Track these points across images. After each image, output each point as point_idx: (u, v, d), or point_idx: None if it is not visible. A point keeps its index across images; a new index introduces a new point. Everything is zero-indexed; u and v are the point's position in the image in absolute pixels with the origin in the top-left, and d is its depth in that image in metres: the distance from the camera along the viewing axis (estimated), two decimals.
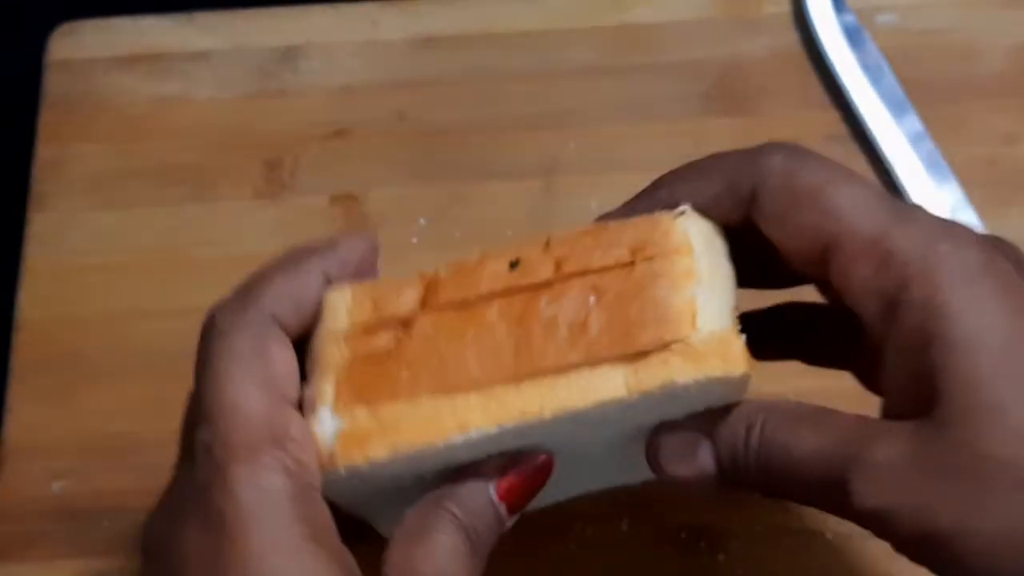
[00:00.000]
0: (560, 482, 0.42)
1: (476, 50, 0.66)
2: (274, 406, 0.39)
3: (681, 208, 0.41)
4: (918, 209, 0.40)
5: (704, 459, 0.41)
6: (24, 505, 0.57)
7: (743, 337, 0.39)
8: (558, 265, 0.40)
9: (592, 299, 0.39)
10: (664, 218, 0.41)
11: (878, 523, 0.38)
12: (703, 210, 0.41)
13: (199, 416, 0.39)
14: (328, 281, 0.41)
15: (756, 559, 0.54)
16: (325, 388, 0.40)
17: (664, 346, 0.38)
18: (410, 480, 0.41)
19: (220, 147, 0.64)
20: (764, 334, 0.40)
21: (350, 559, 0.39)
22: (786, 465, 0.39)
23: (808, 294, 0.45)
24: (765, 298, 0.46)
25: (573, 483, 0.45)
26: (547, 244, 0.41)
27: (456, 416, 0.39)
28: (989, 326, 0.37)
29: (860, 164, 0.62)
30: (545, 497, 0.42)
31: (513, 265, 0.40)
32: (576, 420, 0.39)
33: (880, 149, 0.62)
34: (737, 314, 0.40)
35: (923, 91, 0.63)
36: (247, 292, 0.40)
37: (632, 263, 0.40)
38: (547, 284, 0.40)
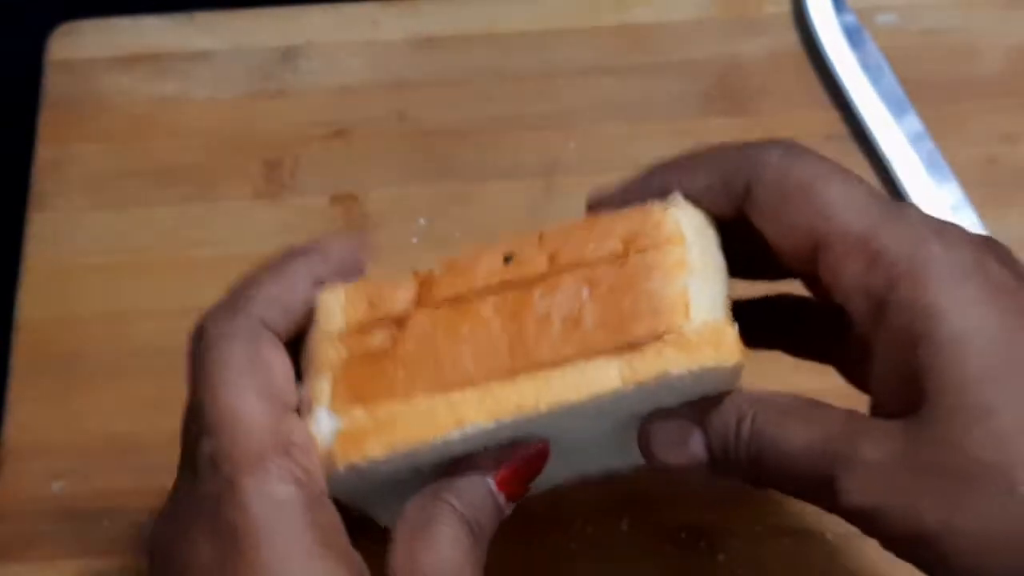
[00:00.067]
0: (555, 468, 0.42)
1: (476, 50, 0.66)
2: (275, 414, 0.39)
3: (673, 198, 0.41)
4: (910, 208, 0.40)
5: (696, 447, 0.41)
6: (24, 505, 0.57)
7: (736, 327, 0.39)
8: (552, 258, 0.40)
9: (585, 292, 0.40)
10: (656, 209, 0.41)
11: (865, 521, 0.38)
12: (695, 200, 0.42)
13: (200, 427, 0.39)
14: (318, 283, 0.42)
15: (756, 559, 0.54)
16: (321, 388, 0.40)
17: (658, 337, 0.39)
18: (408, 474, 0.41)
19: (220, 147, 0.64)
20: (750, 323, 0.40)
21: (360, 561, 0.39)
22: (776, 459, 0.40)
23: (796, 286, 0.45)
24: (753, 288, 0.46)
25: (568, 468, 0.45)
26: (540, 238, 0.41)
27: (453, 412, 0.39)
28: (977, 327, 0.37)
29: (860, 164, 0.62)
30: (540, 483, 0.42)
31: (507, 259, 0.41)
32: (572, 412, 0.39)
33: (880, 149, 0.62)
34: (729, 304, 0.41)
35: (923, 91, 0.63)
36: (235, 299, 0.41)
37: (625, 255, 0.40)
38: (541, 278, 0.40)
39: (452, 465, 0.41)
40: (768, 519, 0.54)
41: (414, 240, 0.61)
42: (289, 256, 0.42)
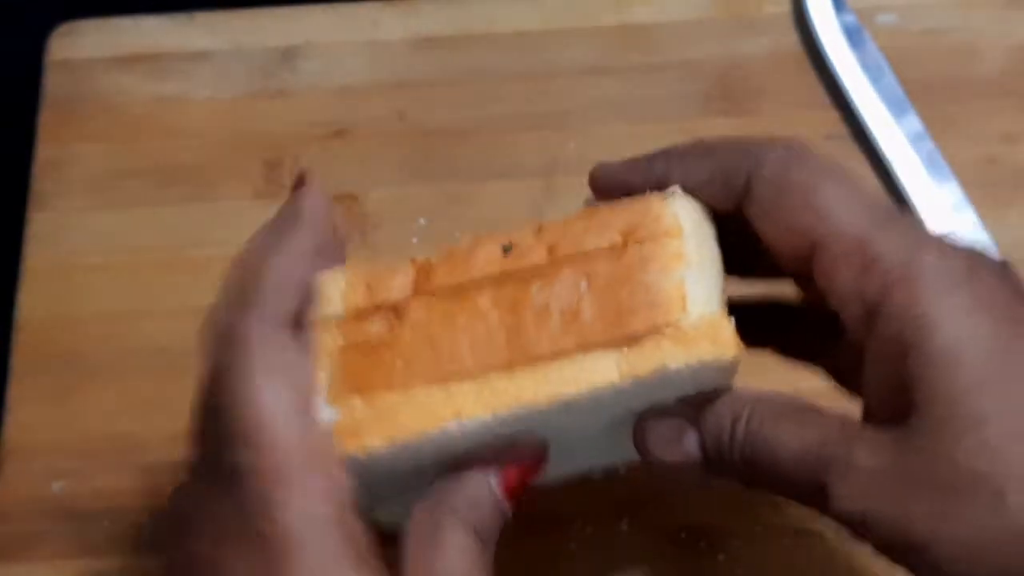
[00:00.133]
0: (553, 467, 0.43)
1: (476, 50, 0.66)
2: (304, 424, 0.39)
3: (671, 190, 0.41)
4: (906, 215, 0.41)
5: (690, 446, 0.42)
6: (24, 505, 0.57)
7: (732, 321, 0.39)
8: (550, 250, 0.40)
9: (584, 284, 0.40)
10: (655, 201, 0.41)
11: (856, 526, 0.39)
12: (694, 193, 0.42)
13: (223, 436, 0.38)
14: (314, 256, 0.41)
15: (756, 559, 0.54)
16: (319, 377, 0.40)
17: (655, 330, 0.39)
18: (408, 469, 0.41)
19: (220, 147, 0.64)
20: (743, 322, 0.40)
21: (387, 573, 0.39)
22: (769, 461, 0.40)
23: (789, 286, 0.45)
24: (747, 287, 0.46)
25: (566, 467, 0.45)
26: (539, 229, 0.41)
27: (451, 404, 0.39)
28: (968, 337, 0.37)
29: (860, 164, 0.62)
30: (539, 482, 0.42)
31: (506, 250, 0.41)
32: (569, 406, 0.39)
33: (880, 149, 0.62)
34: (725, 298, 0.41)
35: (923, 91, 0.63)
36: (246, 290, 0.40)
37: (623, 247, 0.40)
38: (539, 269, 0.40)
39: (454, 467, 0.41)
40: (768, 519, 0.54)
41: (414, 240, 0.61)
42: (283, 230, 0.41)
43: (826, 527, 0.54)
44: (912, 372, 0.37)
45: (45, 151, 0.64)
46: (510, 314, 0.40)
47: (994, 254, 0.40)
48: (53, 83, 0.66)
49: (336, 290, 0.41)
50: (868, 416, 0.40)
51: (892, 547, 0.38)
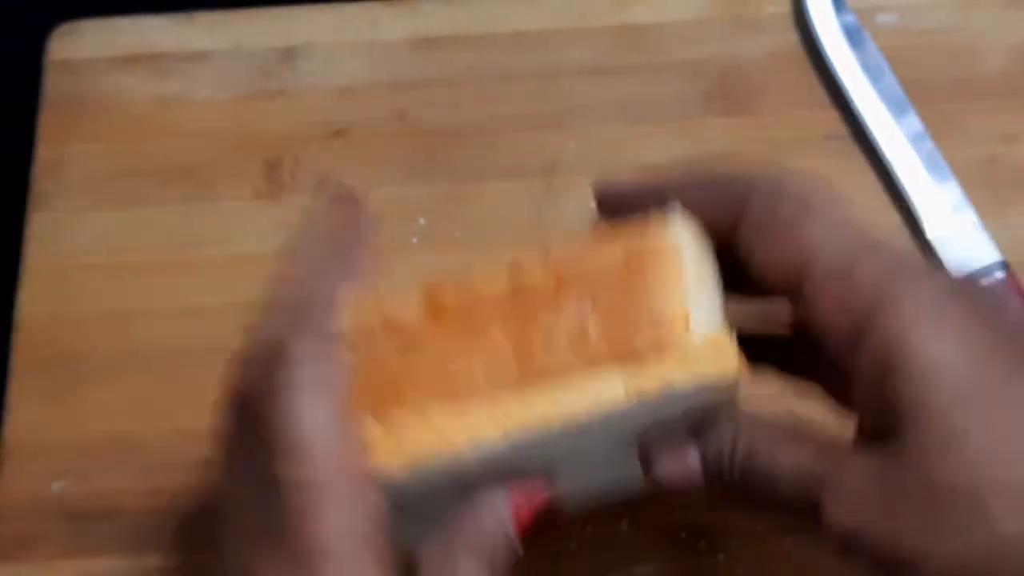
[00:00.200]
0: (564, 495, 0.44)
1: (476, 50, 0.66)
2: (348, 442, 0.39)
3: (673, 212, 0.42)
4: (889, 243, 0.42)
5: (693, 466, 0.43)
6: (24, 505, 0.57)
7: (735, 339, 0.40)
8: (556, 272, 0.41)
9: (589, 307, 0.40)
10: (656, 222, 0.42)
11: (848, 544, 0.40)
12: (693, 215, 0.42)
13: (269, 448, 0.39)
14: (344, 283, 0.42)
15: (756, 559, 0.54)
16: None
17: (659, 350, 0.40)
18: (418, 493, 0.41)
19: (220, 147, 0.64)
20: (741, 339, 0.41)
21: None
22: (766, 481, 0.41)
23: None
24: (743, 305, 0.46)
25: (576, 495, 0.46)
26: (544, 253, 0.42)
27: (465, 426, 0.40)
28: (949, 357, 0.39)
29: (860, 164, 0.62)
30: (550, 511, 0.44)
31: (513, 276, 0.41)
32: (579, 428, 0.40)
33: (880, 149, 0.62)
34: (726, 317, 0.41)
35: (923, 91, 0.63)
36: (302, 309, 0.41)
37: (627, 268, 0.41)
38: (546, 293, 0.41)
39: (465, 495, 0.42)
40: (768, 519, 0.54)
41: (414, 240, 0.61)
42: (342, 251, 0.43)
43: None
44: (895, 392, 0.39)
45: (45, 151, 0.64)
46: (519, 337, 0.40)
47: (978, 279, 0.41)
48: (53, 83, 0.66)
49: (349, 313, 0.41)
50: (861, 434, 0.41)
51: (885, 563, 0.39)
